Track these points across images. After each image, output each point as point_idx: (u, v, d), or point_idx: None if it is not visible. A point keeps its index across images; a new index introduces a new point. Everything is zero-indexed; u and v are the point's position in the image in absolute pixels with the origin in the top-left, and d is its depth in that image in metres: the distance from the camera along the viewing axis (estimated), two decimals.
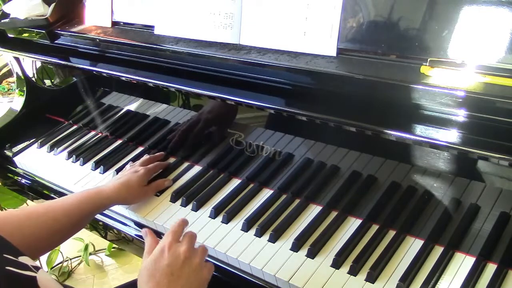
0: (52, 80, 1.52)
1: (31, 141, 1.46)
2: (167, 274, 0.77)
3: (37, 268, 0.65)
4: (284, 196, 1.05)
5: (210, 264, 0.86)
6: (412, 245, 0.89)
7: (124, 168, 1.19)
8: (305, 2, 0.92)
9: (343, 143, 0.96)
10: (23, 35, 1.40)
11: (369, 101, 0.84)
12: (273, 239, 0.95)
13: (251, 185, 1.10)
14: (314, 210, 1.00)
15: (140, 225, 1.10)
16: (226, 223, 1.02)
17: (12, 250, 0.67)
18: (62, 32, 1.31)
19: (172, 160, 1.24)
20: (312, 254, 0.90)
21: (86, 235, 1.93)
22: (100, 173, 1.26)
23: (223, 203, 1.06)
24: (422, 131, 0.78)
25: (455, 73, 0.77)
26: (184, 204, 1.09)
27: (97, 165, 1.27)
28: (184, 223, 0.89)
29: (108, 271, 2.19)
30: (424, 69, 0.79)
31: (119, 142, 1.36)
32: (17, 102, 1.53)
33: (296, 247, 0.92)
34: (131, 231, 1.11)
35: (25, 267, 0.64)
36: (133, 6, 1.21)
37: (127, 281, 1.20)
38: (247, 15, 1.00)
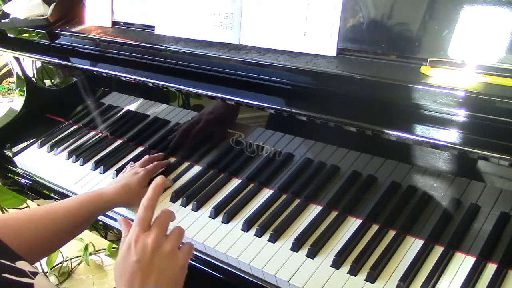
0: (52, 80, 1.52)
1: (31, 141, 1.46)
2: (137, 271, 0.71)
3: (34, 274, 0.64)
4: (284, 196, 1.05)
5: (187, 246, 0.78)
6: (412, 245, 0.89)
7: (124, 169, 1.19)
8: (305, 2, 0.92)
9: (343, 143, 0.96)
10: (23, 35, 1.40)
11: (369, 101, 0.84)
12: (273, 239, 0.95)
13: (251, 185, 1.10)
14: (314, 210, 1.00)
15: None
16: (226, 223, 1.02)
17: (10, 255, 0.66)
18: (62, 32, 1.31)
19: (172, 160, 1.24)
20: (312, 254, 0.90)
21: (86, 235, 1.93)
22: (100, 173, 1.26)
23: (223, 203, 1.06)
24: (422, 131, 0.78)
25: (455, 73, 0.77)
26: (184, 204, 1.09)
27: (97, 165, 1.27)
28: (151, 205, 0.78)
29: (108, 271, 2.19)
30: (424, 69, 0.79)
31: (119, 142, 1.36)
32: (17, 102, 1.53)
33: (296, 247, 0.92)
34: None
35: (22, 273, 0.63)
36: (134, 6, 1.21)
37: None
38: (247, 15, 1.00)
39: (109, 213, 1.13)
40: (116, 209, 1.13)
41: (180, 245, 0.79)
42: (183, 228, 0.80)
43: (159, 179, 0.82)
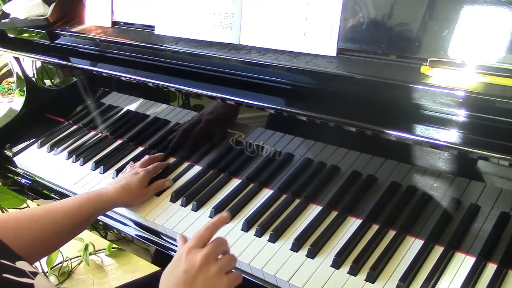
0: (52, 80, 1.52)
1: (31, 141, 1.46)
2: (181, 281, 0.74)
3: (34, 274, 0.64)
4: (284, 196, 1.05)
5: (236, 274, 0.80)
6: (412, 245, 0.89)
7: (125, 169, 1.19)
8: (305, 2, 0.92)
9: (343, 143, 0.96)
10: (23, 35, 1.40)
11: (369, 101, 0.84)
12: (273, 239, 0.95)
13: (251, 185, 1.10)
14: (314, 210, 1.00)
15: (140, 225, 1.10)
16: (226, 223, 1.02)
17: (10, 255, 0.66)
18: (62, 32, 1.31)
19: (172, 160, 1.24)
20: (312, 254, 0.90)
21: (86, 235, 1.93)
22: (100, 173, 1.26)
23: (223, 203, 1.06)
24: (422, 131, 0.78)
25: (455, 73, 0.77)
26: (184, 204, 1.09)
27: (97, 165, 1.27)
28: (212, 228, 0.81)
29: (108, 271, 2.18)
30: (424, 69, 0.79)
31: (119, 142, 1.36)
32: (17, 102, 1.53)
33: (296, 247, 0.92)
34: (131, 231, 1.11)
35: (22, 273, 0.63)
36: (134, 6, 1.21)
37: (127, 281, 1.20)
38: (247, 15, 1.00)
39: (109, 213, 1.13)
40: (116, 209, 1.13)
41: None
42: (236, 257, 0.82)
43: (225, 213, 0.84)
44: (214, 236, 0.82)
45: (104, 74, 1.23)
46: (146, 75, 1.13)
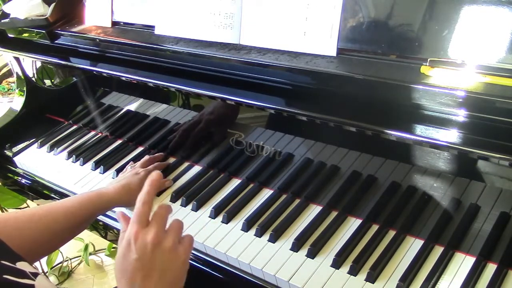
0: (52, 80, 1.52)
1: (31, 141, 1.46)
2: (137, 269, 0.70)
3: (35, 275, 0.64)
4: (284, 196, 1.05)
5: (187, 239, 0.77)
6: (412, 245, 0.89)
7: (125, 169, 1.19)
8: (305, 2, 0.92)
9: (343, 143, 0.96)
10: (23, 35, 1.40)
11: (369, 101, 0.84)
12: (273, 239, 0.95)
13: (251, 185, 1.10)
14: (314, 210, 1.00)
15: None
16: (226, 223, 1.02)
17: (10, 256, 0.66)
18: (62, 32, 1.31)
19: (172, 160, 1.24)
20: (312, 254, 0.90)
21: (86, 235, 1.94)
22: (100, 173, 1.26)
23: (223, 203, 1.06)
24: (422, 131, 0.78)
25: (455, 73, 0.77)
26: (184, 204, 1.09)
27: (97, 165, 1.27)
28: (148, 199, 0.75)
29: (108, 271, 2.19)
30: (424, 69, 0.79)
31: (119, 142, 1.36)
32: (17, 102, 1.53)
33: (296, 247, 0.92)
34: None
35: (23, 274, 0.63)
36: (134, 6, 1.21)
37: None
38: (247, 15, 1.00)
39: (109, 213, 1.13)
40: (116, 209, 1.13)
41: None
42: (182, 221, 0.78)
43: (155, 174, 0.78)
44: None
45: (104, 74, 1.23)
46: (146, 75, 1.13)
